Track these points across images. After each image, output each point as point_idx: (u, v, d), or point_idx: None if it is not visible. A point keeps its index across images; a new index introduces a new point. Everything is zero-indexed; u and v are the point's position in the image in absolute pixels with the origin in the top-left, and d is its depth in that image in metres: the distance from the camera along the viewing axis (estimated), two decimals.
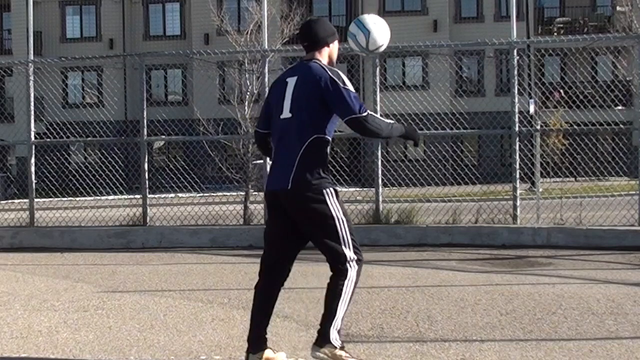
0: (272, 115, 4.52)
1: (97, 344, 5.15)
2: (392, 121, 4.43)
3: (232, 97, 16.10)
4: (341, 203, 4.39)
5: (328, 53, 4.52)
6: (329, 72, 4.34)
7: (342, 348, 4.32)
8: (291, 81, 4.40)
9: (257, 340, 4.50)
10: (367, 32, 4.58)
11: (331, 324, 4.31)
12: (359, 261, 4.38)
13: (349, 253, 4.34)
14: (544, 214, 10.80)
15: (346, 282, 4.33)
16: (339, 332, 4.33)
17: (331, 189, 4.35)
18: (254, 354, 4.47)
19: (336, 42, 4.57)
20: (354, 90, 4.33)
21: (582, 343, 4.90)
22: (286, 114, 4.37)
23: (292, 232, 4.44)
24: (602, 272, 7.73)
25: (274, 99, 4.51)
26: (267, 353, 4.50)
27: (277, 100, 4.46)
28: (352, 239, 4.37)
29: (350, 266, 4.33)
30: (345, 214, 4.39)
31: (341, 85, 4.28)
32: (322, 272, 7.65)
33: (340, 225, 4.33)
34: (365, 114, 4.25)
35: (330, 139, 4.41)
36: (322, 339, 4.32)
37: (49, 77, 15.57)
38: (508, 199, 10.91)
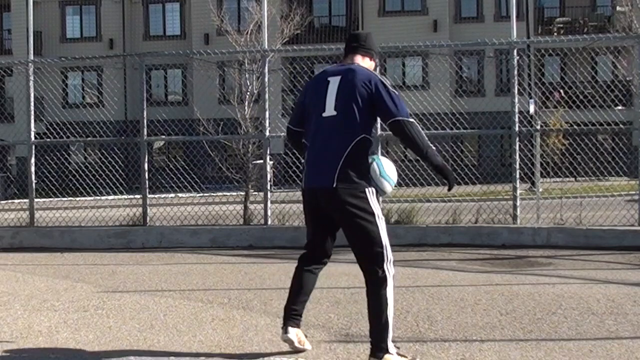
0: (307, 113, 4.58)
1: (97, 344, 5.15)
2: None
3: (232, 97, 16.07)
4: (379, 203, 4.46)
5: (368, 64, 4.61)
6: (378, 75, 4.44)
7: (398, 353, 4.41)
8: (334, 80, 4.44)
9: (289, 315, 4.67)
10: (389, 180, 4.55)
11: (386, 334, 4.35)
12: (393, 263, 4.43)
13: (387, 254, 4.38)
14: (544, 214, 10.80)
15: (388, 289, 4.36)
16: (390, 339, 4.39)
17: (372, 188, 4.40)
18: (284, 328, 4.65)
19: (377, 62, 4.72)
20: (396, 92, 4.38)
21: (582, 343, 4.90)
22: (330, 111, 4.40)
23: (331, 231, 4.61)
24: (602, 272, 7.73)
25: (312, 97, 4.55)
26: (296, 331, 4.66)
27: (317, 99, 4.49)
28: (388, 240, 4.41)
29: (387, 271, 4.36)
30: (382, 215, 4.45)
31: (390, 88, 4.37)
32: (322, 272, 7.65)
33: (380, 224, 4.38)
34: (410, 119, 4.31)
35: (372, 139, 4.48)
36: (378, 349, 4.35)
37: (49, 77, 15.58)
38: (508, 199, 10.91)
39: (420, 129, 4.36)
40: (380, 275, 4.33)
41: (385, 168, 4.49)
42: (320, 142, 4.46)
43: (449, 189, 4.45)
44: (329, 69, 4.59)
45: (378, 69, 4.64)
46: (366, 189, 4.36)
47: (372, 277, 4.37)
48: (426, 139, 4.35)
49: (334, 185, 4.33)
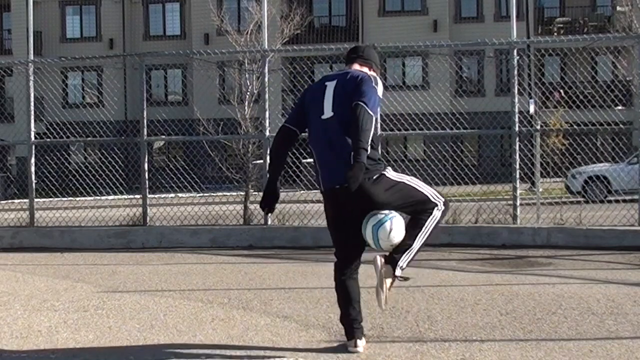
0: (305, 115, 4.73)
1: (97, 344, 5.15)
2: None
3: (232, 97, 16.07)
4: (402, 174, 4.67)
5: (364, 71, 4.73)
6: (368, 74, 4.62)
7: (400, 278, 4.61)
8: (330, 85, 4.63)
9: (349, 328, 4.76)
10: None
11: (405, 252, 4.57)
12: (446, 203, 4.68)
13: (435, 199, 4.64)
14: (544, 214, 10.80)
15: (430, 218, 4.61)
16: (407, 264, 4.58)
17: (388, 168, 4.61)
18: (348, 341, 4.76)
19: (378, 73, 4.83)
20: (380, 95, 4.54)
21: (582, 343, 4.90)
22: (327, 113, 4.57)
23: (357, 217, 4.62)
24: (602, 272, 7.72)
25: (311, 102, 4.70)
26: (363, 343, 4.79)
27: (315, 103, 4.64)
28: (430, 189, 4.66)
29: (437, 208, 4.62)
30: (411, 177, 4.68)
31: (373, 83, 4.52)
32: (322, 272, 7.67)
33: (411, 183, 4.62)
34: (370, 112, 4.37)
35: (378, 126, 4.66)
36: (391, 260, 4.58)
37: (49, 77, 15.58)
38: (508, 199, 10.91)
39: (372, 128, 4.38)
40: (432, 211, 4.63)
41: (395, 230, 4.58)
42: (324, 144, 4.61)
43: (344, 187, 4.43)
44: (328, 76, 4.76)
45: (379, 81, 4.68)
46: (381, 172, 4.55)
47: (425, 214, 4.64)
48: (368, 138, 4.34)
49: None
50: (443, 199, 4.69)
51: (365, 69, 4.75)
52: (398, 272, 4.59)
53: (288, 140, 4.83)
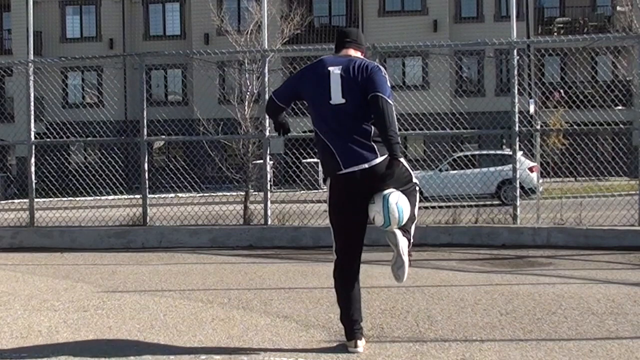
0: (299, 96, 4.93)
1: (97, 344, 5.15)
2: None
3: (232, 97, 16.08)
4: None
5: (360, 57, 4.91)
6: (375, 63, 4.84)
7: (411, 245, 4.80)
8: (335, 70, 4.71)
9: (349, 328, 4.80)
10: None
11: (407, 232, 4.77)
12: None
13: (413, 229, 4.94)
14: (544, 214, 10.80)
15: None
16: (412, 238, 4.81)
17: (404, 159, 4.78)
18: (348, 341, 4.80)
19: (366, 55, 5.07)
20: (388, 83, 4.72)
21: (582, 343, 4.90)
22: (338, 99, 4.67)
23: (365, 214, 4.72)
24: (602, 272, 7.72)
25: (313, 87, 4.77)
26: (363, 343, 4.82)
27: (320, 88, 4.72)
28: (417, 212, 4.98)
29: (411, 233, 4.89)
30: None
31: (383, 72, 4.73)
32: (322, 272, 7.67)
33: (416, 195, 4.88)
34: (389, 100, 4.60)
35: None
36: (405, 233, 4.78)
37: (49, 77, 15.55)
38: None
39: (394, 114, 4.62)
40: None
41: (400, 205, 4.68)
42: (334, 128, 4.69)
43: (384, 179, 4.61)
44: (327, 59, 4.83)
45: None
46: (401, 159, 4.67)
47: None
48: (396, 125, 4.59)
49: (372, 162, 4.60)
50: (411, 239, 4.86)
51: (359, 54, 4.92)
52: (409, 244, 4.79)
53: (279, 112, 5.08)
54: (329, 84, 4.68)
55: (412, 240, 4.83)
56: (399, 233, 4.69)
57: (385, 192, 4.65)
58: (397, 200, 4.63)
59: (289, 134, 5.30)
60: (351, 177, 4.65)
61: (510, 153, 10.29)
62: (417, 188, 4.95)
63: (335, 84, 4.67)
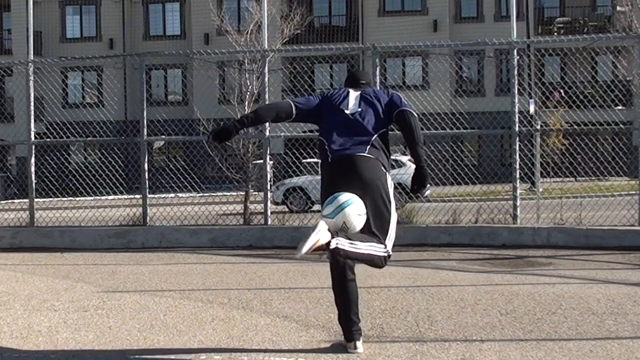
0: (317, 115, 5.05)
1: (97, 344, 5.15)
2: None
3: (232, 97, 16.07)
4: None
5: None
6: (392, 91, 5.17)
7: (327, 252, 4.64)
8: (354, 91, 5.07)
9: (348, 330, 4.80)
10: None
11: (347, 239, 4.57)
12: (388, 258, 4.81)
13: (389, 243, 4.79)
14: (544, 214, 10.80)
15: (376, 246, 4.70)
16: (343, 251, 4.54)
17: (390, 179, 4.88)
18: (347, 343, 4.81)
19: None
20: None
21: (582, 343, 4.90)
22: (353, 109, 4.94)
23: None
24: (602, 272, 7.73)
25: (331, 104, 5.00)
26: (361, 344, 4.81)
27: (337, 102, 4.98)
28: (394, 233, 4.89)
29: (385, 250, 4.77)
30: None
31: (402, 96, 5.07)
32: (322, 272, 7.66)
33: (393, 217, 4.80)
34: (413, 112, 4.89)
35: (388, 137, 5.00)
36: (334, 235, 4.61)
37: (49, 77, 15.55)
38: (508, 199, 10.91)
39: (419, 125, 4.87)
40: (382, 252, 4.69)
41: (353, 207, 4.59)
42: (343, 130, 4.85)
43: (416, 191, 4.81)
44: (348, 87, 5.19)
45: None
46: (388, 175, 4.80)
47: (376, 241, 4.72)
48: (422, 136, 4.86)
49: (367, 153, 4.73)
50: (390, 253, 4.76)
51: None
52: (333, 244, 4.45)
53: (282, 113, 5.08)
54: (348, 98, 5.01)
55: (340, 244, 4.50)
56: (324, 226, 4.45)
57: (355, 199, 4.55)
58: (357, 213, 4.53)
59: (222, 143, 5.15)
60: (340, 161, 4.72)
61: (400, 158, 10.22)
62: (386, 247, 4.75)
63: (353, 98, 5.00)
